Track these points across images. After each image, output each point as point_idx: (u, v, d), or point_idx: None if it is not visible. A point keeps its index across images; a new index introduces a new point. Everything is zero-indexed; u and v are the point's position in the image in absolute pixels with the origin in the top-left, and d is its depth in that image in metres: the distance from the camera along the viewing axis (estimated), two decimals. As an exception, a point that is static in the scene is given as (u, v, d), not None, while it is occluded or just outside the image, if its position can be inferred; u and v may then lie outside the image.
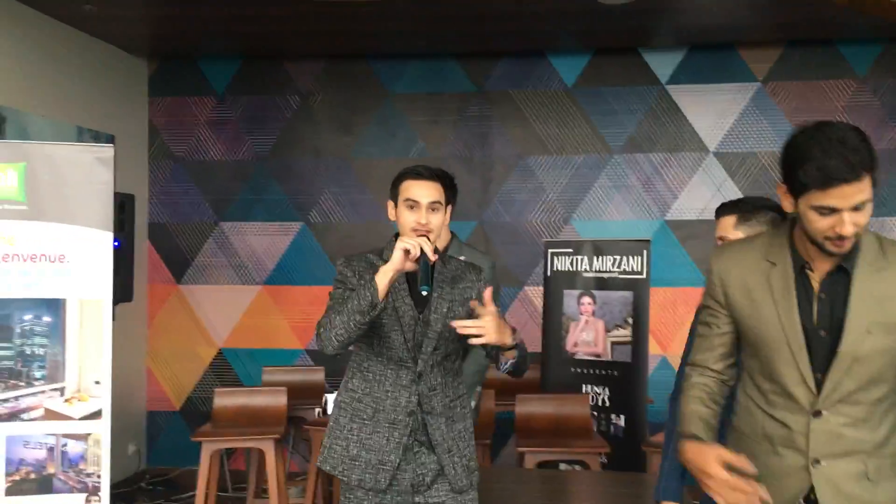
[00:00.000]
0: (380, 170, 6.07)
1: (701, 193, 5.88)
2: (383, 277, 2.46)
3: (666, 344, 5.77)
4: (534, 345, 5.36)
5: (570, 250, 5.09)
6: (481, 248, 5.58)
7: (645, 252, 4.91)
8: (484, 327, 2.37)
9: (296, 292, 6.18)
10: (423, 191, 2.58)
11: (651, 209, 5.93)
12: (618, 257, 4.97)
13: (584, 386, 5.01)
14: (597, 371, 4.97)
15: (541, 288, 5.39)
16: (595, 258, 5.07)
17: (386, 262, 2.51)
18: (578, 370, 5.03)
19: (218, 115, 6.29)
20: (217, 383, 6.14)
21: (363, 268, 2.60)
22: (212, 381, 6.22)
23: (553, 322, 5.09)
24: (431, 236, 2.55)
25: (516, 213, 6.02)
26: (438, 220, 2.58)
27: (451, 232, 3.39)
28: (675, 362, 4.76)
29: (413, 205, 2.57)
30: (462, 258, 2.81)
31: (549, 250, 5.23)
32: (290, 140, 6.23)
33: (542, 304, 5.24)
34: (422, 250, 2.47)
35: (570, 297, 5.05)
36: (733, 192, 5.68)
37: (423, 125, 6.10)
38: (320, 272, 5.94)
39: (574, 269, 5.10)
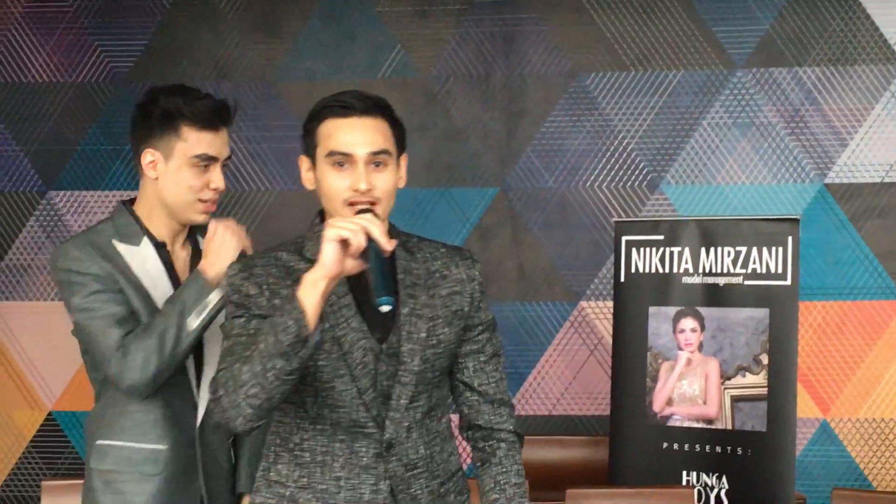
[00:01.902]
0: None
1: (888, 137, 5.59)
2: (311, 291, 2.35)
3: (829, 400, 5.63)
4: (598, 401, 5.58)
5: (661, 237, 4.94)
6: (505, 231, 5.62)
7: (791, 240, 4.79)
8: None
9: None
10: (358, 134, 2.55)
11: (801, 165, 5.67)
12: (743, 249, 4.90)
13: (684, 473, 4.84)
14: (707, 448, 4.83)
15: (608, 303, 5.44)
16: (704, 251, 4.91)
17: (311, 262, 2.45)
18: (675, 446, 4.88)
19: (43, 6, 5.89)
20: (44, 469, 6.00)
21: (274, 276, 2.57)
22: (36, 465, 6.05)
23: (630, 362, 5.02)
24: (379, 210, 2.53)
25: (566, 174, 5.76)
26: (387, 182, 2.57)
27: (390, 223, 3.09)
28: (846, 432, 5.25)
29: (342, 160, 2.54)
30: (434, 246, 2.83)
31: (624, 237, 5.02)
32: (169, 50, 5.91)
33: (609, 330, 5.27)
34: (369, 238, 2.36)
35: (659, 318, 4.97)
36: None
37: (404, 22, 5.79)
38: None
39: (667, 269, 4.96)
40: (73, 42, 5.96)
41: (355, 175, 2.53)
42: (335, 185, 2.55)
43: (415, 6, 5.70)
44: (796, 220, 4.91)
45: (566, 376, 5.44)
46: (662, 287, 4.93)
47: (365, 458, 2.60)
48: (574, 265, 5.63)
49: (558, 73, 5.64)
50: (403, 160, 2.71)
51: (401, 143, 2.69)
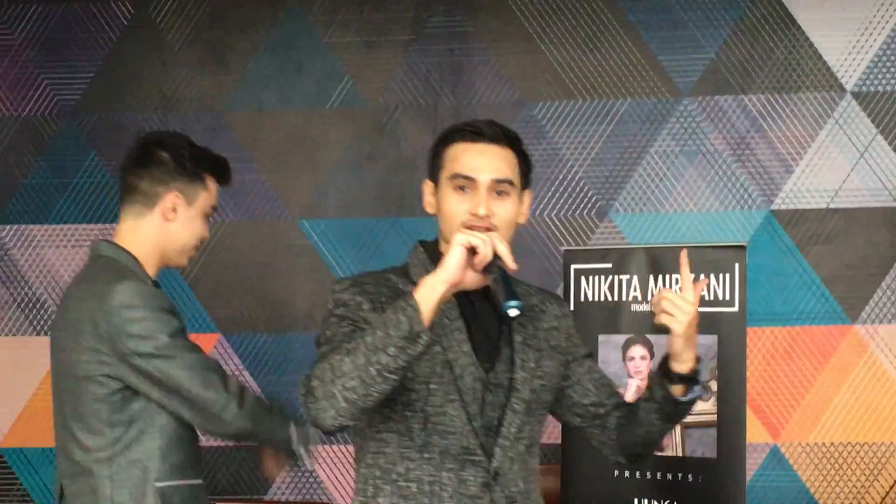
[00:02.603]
0: (277, 132, 5.81)
1: (832, 163, 5.50)
2: (428, 293, 2.30)
3: (779, 425, 5.53)
4: (549, 429, 5.24)
5: (610, 265, 4.90)
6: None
7: (738, 267, 4.74)
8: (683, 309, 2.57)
9: None
10: (485, 161, 2.54)
11: (748, 192, 5.57)
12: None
13: (636, 501, 4.79)
14: (659, 475, 4.75)
15: None
16: (653, 279, 4.83)
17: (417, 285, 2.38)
18: (626, 473, 4.80)
19: (-13, 36, 5.89)
20: (-10, 508, 5.90)
21: (385, 295, 2.55)
22: (-17, 504, 5.98)
23: None
24: (497, 238, 2.42)
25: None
26: (507, 212, 2.54)
27: None
28: (796, 457, 5.24)
29: (465, 183, 2.53)
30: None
31: (573, 266, 4.96)
32: (117, 81, 5.78)
33: None
34: (495, 254, 2.34)
35: (609, 346, 4.93)
36: (888, 159, 5.40)
37: (352, 52, 5.67)
38: (183, 309, 5.08)
39: (616, 297, 4.89)
40: (18, 75, 5.88)
41: (476, 199, 2.52)
42: (455, 207, 2.54)
43: (362, 37, 5.65)
44: (743, 247, 4.87)
45: (518, 405, 5.40)
46: (612, 315, 4.87)
47: (473, 488, 2.55)
48: (524, 293, 5.51)
49: (506, 102, 5.63)
50: (527, 196, 2.69)
51: (526, 177, 2.68)
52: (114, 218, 5.50)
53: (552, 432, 5.24)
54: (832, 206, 5.43)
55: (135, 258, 3.13)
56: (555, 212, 5.58)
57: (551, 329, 2.71)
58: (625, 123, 5.62)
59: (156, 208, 3.13)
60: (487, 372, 2.58)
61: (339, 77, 5.65)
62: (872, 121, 5.44)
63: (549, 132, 5.60)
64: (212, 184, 3.18)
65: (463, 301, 2.57)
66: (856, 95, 5.44)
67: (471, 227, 2.47)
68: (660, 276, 4.84)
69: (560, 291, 5.17)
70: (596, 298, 4.89)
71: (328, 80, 5.65)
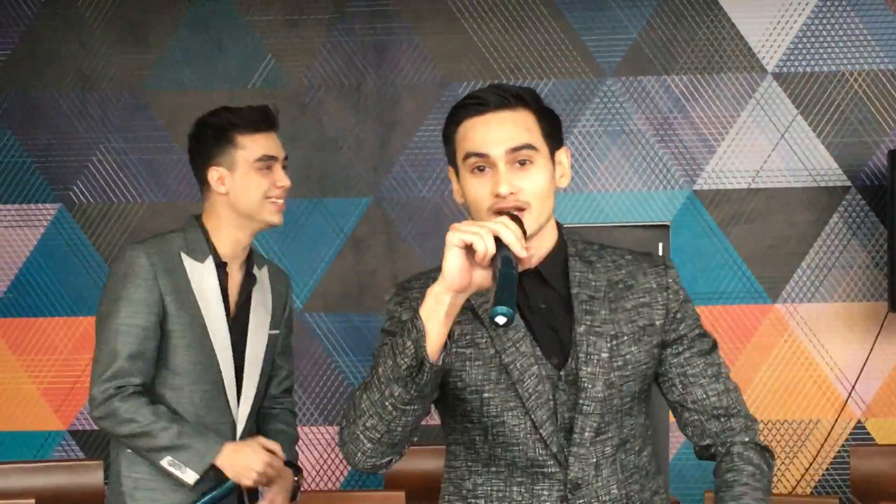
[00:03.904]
0: (198, 112, 5.36)
1: (754, 143, 5.64)
2: (433, 307, 2.05)
3: None
4: None
5: None
6: (379, 241, 5.64)
7: (661, 246, 4.93)
8: None
9: (49, 329, 5.93)
10: (495, 132, 2.22)
11: (671, 172, 5.70)
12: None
13: None
14: None
15: None
16: None
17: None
18: None
19: None
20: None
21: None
22: None
23: None
24: (530, 216, 2.19)
25: (439, 183, 5.72)
26: (535, 182, 2.22)
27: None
28: None
29: (480, 162, 2.23)
30: None
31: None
32: (33, 60, 5.82)
33: None
34: (499, 243, 2.00)
35: None
36: (808, 140, 5.52)
37: (274, 31, 5.75)
38: (94, 293, 5.35)
39: None
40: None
41: (495, 178, 2.21)
42: (477, 192, 2.24)
43: (284, 15, 5.65)
44: (667, 227, 4.95)
45: (442, 385, 5.40)
46: None
47: (548, 502, 2.29)
48: (448, 274, 5.51)
49: (430, 82, 5.65)
50: (564, 155, 2.35)
51: (553, 135, 2.33)
52: (29, 197, 5.71)
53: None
54: (753, 186, 5.50)
55: (204, 233, 3.27)
56: (479, 192, 5.44)
57: (639, 306, 2.34)
58: (549, 104, 5.31)
59: (210, 187, 3.25)
60: (559, 368, 2.29)
61: (261, 56, 5.62)
62: (793, 102, 5.50)
63: (473, 113, 5.47)
64: (244, 139, 3.21)
65: (519, 291, 2.21)
66: (777, 77, 5.50)
67: (499, 211, 2.19)
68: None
69: (484, 272, 5.15)
70: (520, 279, 4.71)
71: (250, 58, 5.63)
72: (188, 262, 3.20)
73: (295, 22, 5.63)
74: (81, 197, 5.76)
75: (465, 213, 5.74)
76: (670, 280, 2.35)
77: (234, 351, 3.25)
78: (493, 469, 2.31)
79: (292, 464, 3.38)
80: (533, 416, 2.24)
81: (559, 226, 2.43)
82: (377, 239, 5.55)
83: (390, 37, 5.64)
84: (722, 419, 2.31)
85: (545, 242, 2.31)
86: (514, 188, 2.19)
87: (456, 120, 2.30)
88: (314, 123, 5.41)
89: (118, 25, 5.69)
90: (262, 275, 3.41)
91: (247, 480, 3.13)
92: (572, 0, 5.60)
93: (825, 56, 5.40)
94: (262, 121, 3.27)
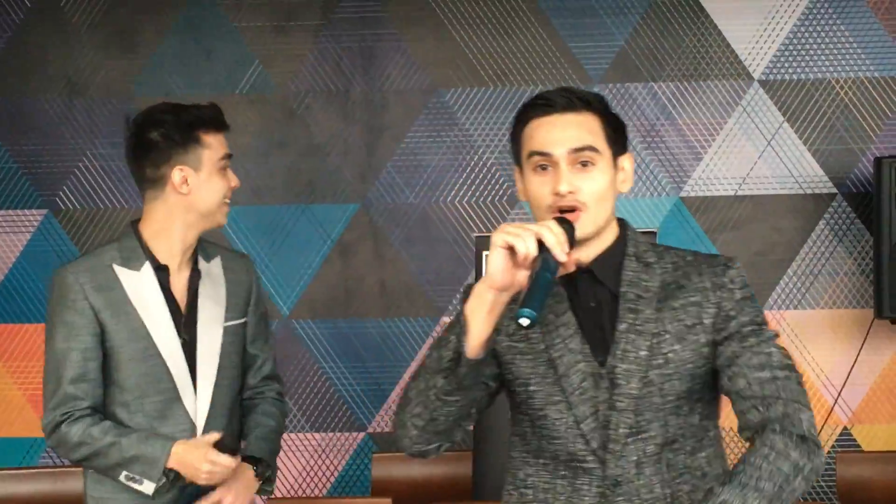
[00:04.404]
0: None
1: (740, 150, 5.59)
2: (476, 304, 2.16)
3: None
4: None
5: None
6: (367, 247, 5.59)
7: None
8: None
9: (36, 335, 5.77)
10: (559, 132, 2.30)
11: (657, 179, 5.67)
12: None
13: None
14: None
15: None
16: None
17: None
18: None
19: None
20: None
21: None
22: None
23: None
24: (587, 217, 2.26)
25: (426, 189, 5.70)
26: (595, 184, 2.29)
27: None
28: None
29: (543, 161, 2.30)
30: None
31: (485, 252, 4.78)
32: (19, 66, 5.72)
33: None
34: (542, 246, 2.11)
35: None
36: (794, 147, 5.49)
37: (262, 37, 5.69)
38: None
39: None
40: None
41: (556, 177, 2.28)
42: (538, 190, 2.32)
43: (272, 21, 5.62)
44: (653, 233, 4.84)
45: (429, 392, 5.40)
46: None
47: (587, 498, 2.33)
48: (436, 280, 5.61)
49: (418, 88, 5.64)
50: (627, 161, 2.42)
51: (617, 141, 2.41)
52: (16, 203, 5.67)
53: (464, 415, 5.32)
54: (740, 193, 5.49)
55: (139, 240, 3.15)
56: (466, 198, 5.59)
57: (688, 305, 2.34)
58: None
59: (167, 188, 3.12)
60: (602, 363, 2.34)
61: (249, 62, 5.62)
62: (779, 109, 5.50)
63: (460, 119, 5.60)
64: (210, 138, 3.14)
65: (570, 290, 2.35)
66: (763, 84, 5.50)
67: (558, 209, 2.27)
68: (571, 263, 4.68)
69: (472, 278, 5.21)
70: (507, 285, 4.71)
71: (237, 64, 5.62)
72: (122, 272, 3.10)
73: (283, 28, 5.62)
74: (68, 203, 5.73)
75: (451, 219, 5.73)
76: (727, 279, 2.34)
77: (187, 352, 3.17)
78: (541, 461, 2.37)
79: (255, 458, 3.30)
80: (575, 412, 2.30)
81: (624, 227, 2.48)
82: (364, 245, 5.54)
83: (378, 43, 5.63)
84: (760, 409, 2.26)
85: (602, 243, 2.36)
86: (573, 188, 2.25)
87: (523, 119, 2.38)
88: (301, 129, 5.40)
89: (105, 31, 5.67)
90: (210, 267, 3.28)
91: (199, 480, 3.07)
92: (559, 7, 5.59)
93: (811, 63, 5.42)
94: (221, 119, 3.21)
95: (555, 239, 2.12)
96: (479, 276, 4.80)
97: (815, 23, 5.35)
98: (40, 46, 5.68)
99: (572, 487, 2.32)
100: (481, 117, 5.59)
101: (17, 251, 5.79)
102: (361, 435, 5.38)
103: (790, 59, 5.52)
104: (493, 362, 2.32)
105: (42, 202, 5.77)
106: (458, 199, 5.59)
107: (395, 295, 5.38)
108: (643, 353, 2.28)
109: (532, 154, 2.31)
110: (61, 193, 5.75)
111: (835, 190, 5.34)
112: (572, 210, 2.26)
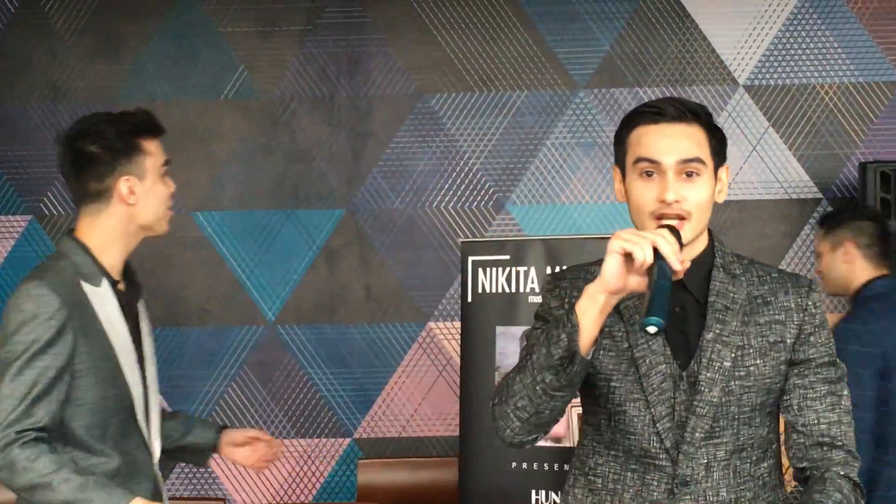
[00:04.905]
0: (170, 123, 5.42)
1: (726, 156, 5.12)
2: (589, 304, 2.24)
3: None
4: (447, 421, 5.51)
5: (507, 257, 4.83)
6: (352, 253, 5.49)
7: None
8: None
9: None
10: (669, 141, 2.36)
11: None
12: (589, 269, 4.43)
13: (533, 492, 4.69)
14: (556, 466, 4.64)
15: (457, 323, 5.35)
16: (550, 270, 4.72)
17: None
18: (524, 465, 4.70)
19: None
20: None
21: (579, 290, 2.35)
22: None
23: (479, 382, 4.80)
24: (689, 225, 2.33)
25: (412, 194, 5.74)
26: (699, 194, 2.36)
27: None
28: None
29: (650, 168, 2.36)
30: None
31: (470, 258, 4.86)
32: (4, 71, 5.74)
33: (458, 350, 5.06)
34: (657, 254, 2.18)
35: (507, 338, 4.80)
36: (780, 152, 5.54)
37: (247, 42, 5.72)
38: None
39: (513, 289, 4.80)
40: None
41: (663, 184, 2.35)
42: (642, 195, 2.38)
43: (257, 27, 5.63)
44: None
45: (415, 398, 5.39)
46: (509, 307, 4.79)
47: (656, 493, 2.44)
48: (422, 286, 5.63)
49: (403, 94, 5.65)
50: (725, 172, 2.50)
51: (720, 153, 2.48)
52: (3, 209, 5.61)
53: (450, 424, 5.37)
54: (725, 198, 5.39)
55: (90, 254, 3.00)
56: (452, 203, 5.59)
57: (772, 323, 2.44)
58: (521, 115, 5.67)
59: (112, 200, 3.01)
60: (683, 368, 2.43)
61: (234, 67, 5.61)
62: (764, 114, 5.51)
63: (445, 124, 5.61)
64: (149, 144, 3.04)
65: None
66: (748, 89, 5.52)
67: (661, 217, 2.34)
68: (556, 268, 4.75)
69: (458, 283, 5.23)
70: (493, 290, 4.85)
71: (223, 70, 5.62)
72: (87, 288, 2.95)
73: (268, 33, 5.62)
74: (52, 208, 5.70)
75: (437, 225, 5.70)
76: (810, 303, 2.44)
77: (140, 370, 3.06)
78: (613, 453, 2.47)
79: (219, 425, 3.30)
80: (653, 410, 2.40)
81: (712, 236, 2.56)
82: (350, 251, 5.54)
83: (363, 48, 5.64)
84: (825, 448, 2.38)
85: (693, 251, 2.42)
86: (679, 197, 2.32)
87: (630, 125, 2.44)
88: (287, 135, 5.40)
89: (90, 36, 5.66)
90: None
91: None
92: (545, 12, 5.61)
93: (796, 69, 5.43)
94: (157, 124, 3.12)
95: (671, 249, 2.19)
96: (464, 281, 4.85)
97: (799, 28, 5.37)
98: (24, 52, 5.65)
99: (642, 482, 2.43)
100: (467, 122, 5.59)
101: (0, 257, 5.77)
102: (347, 441, 5.38)
103: (775, 64, 5.54)
104: None
105: (26, 208, 5.75)
106: (443, 204, 5.58)
107: (380, 300, 5.39)
108: (727, 363, 2.38)
109: (639, 160, 2.37)
110: (45, 199, 5.72)
111: (820, 195, 5.35)
112: (680, 218, 2.32)
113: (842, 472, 2.36)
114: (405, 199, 5.64)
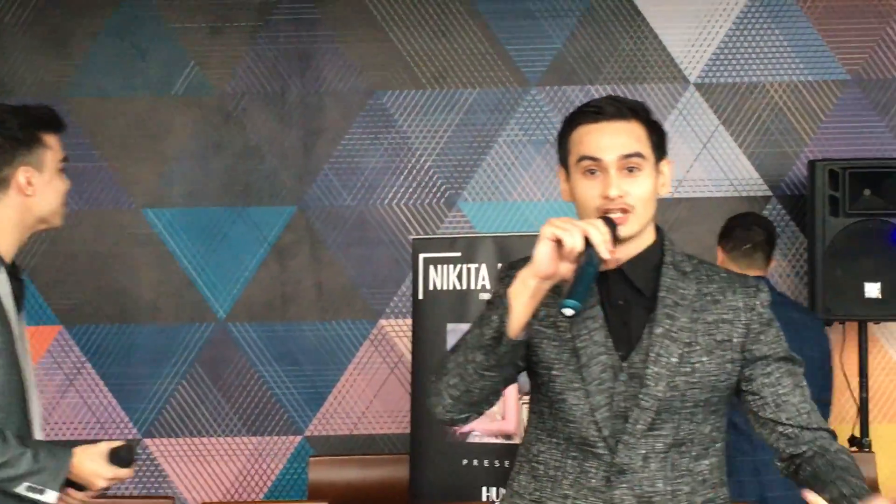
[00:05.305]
0: (120, 120, 5.71)
1: (676, 153, 5.45)
2: (520, 289, 2.30)
3: None
4: (398, 419, 5.52)
5: (458, 254, 4.84)
6: (304, 250, 5.53)
7: None
8: None
9: None
10: (609, 139, 2.43)
11: None
12: None
13: (484, 489, 4.70)
14: (507, 463, 4.64)
15: (408, 320, 5.31)
16: (500, 267, 4.30)
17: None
18: (474, 462, 4.74)
19: None
20: None
21: None
22: None
23: (430, 379, 4.49)
24: (633, 219, 2.40)
25: (364, 192, 5.73)
26: (641, 189, 2.43)
27: None
28: None
29: (592, 165, 2.44)
30: None
31: (422, 255, 4.88)
32: (-51, 65, 5.64)
33: (409, 348, 5.05)
34: (587, 242, 2.25)
35: (458, 335, 4.51)
36: (729, 150, 5.57)
37: (197, 38, 5.68)
38: None
39: (465, 286, 4.82)
40: None
41: (606, 181, 2.42)
42: (586, 193, 2.45)
43: (208, 22, 5.60)
44: None
45: (367, 395, 5.38)
46: (460, 304, 4.80)
47: (594, 480, 2.48)
48: (373, 283, 5.62)
49: (355, 90, 5.64)
50: (666, 166, 2.56)
51: (660, 147, 2.54)
52: None
53: (402, 422, 5.36)
54: (676, 195, 5.52)
55: None
56: (404, 200, 5.58)
57: (721, 321, 2.49)
58: (473, 113, 5.65)
59: (10, 189, 3.02)
60: (623, 358, 2.47)
61: (184, 63, 5.58)
62: (715, 112, 5.53)
63: (397, 121, 5.59)
64: (50, 139, 3.06)
65: (602, 286, 2.48)
66: (699, 87, 5.53)
67: (606, 211, 2.40)
68: (508, 266, 4.69)
69: (409, 280, 5.21)
70: (444, 287, 4.86)
71: (173, 66, 5.58)
72: None
73: (218, 29, 5.58)
74: (1, 205, 5.54)
75: (388, 222, 5.69)
76: (757, 302, 2.50)
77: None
78: (554, 440, 2.52)
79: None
80: (591, 400, 2.44)
81: (660, 233, 2.62)
82: (301, 248, 5.53)
83: (314, 45, 5.62)
84: (815, 431, 2.45)
85: (639, 245, 2.49)
86: (622, 192, 2.39)
87: (572, 125, 2.51)
88: (238, 131, 5.37)
89: (38, 31, 5.59)
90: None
91: (94, 488, 2.98)
92: (497, 10, 5.60)
93: (746, 67, 5.45)
94: (59, 119, 3.13)
95: (601, 237, 2.26)
96: (416, 278, 4.85)
97: (749, 27, 5.39)
98: (-30, 47, 5.56)
99: (581, 469, 2.47)
100: (419, 119, 5.59)
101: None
102: (298, 438, 5.36)
103: (725, 62, 5.55)
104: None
105: (-26, 203, 5.59)
106: (395, 201, 5.57)
107: (332, 298, 5.37)
108: (674, 359, 2.43)
109: (582, 158, 2.44)
110: (-8, 196, 5.56)
111: (769, 192, 5.38)
112: (624, 212, 2.39)
113: (838, 446, 2.44)
114: (357, 196, 5.60)
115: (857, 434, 5.03)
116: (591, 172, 2.43)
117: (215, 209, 5.36)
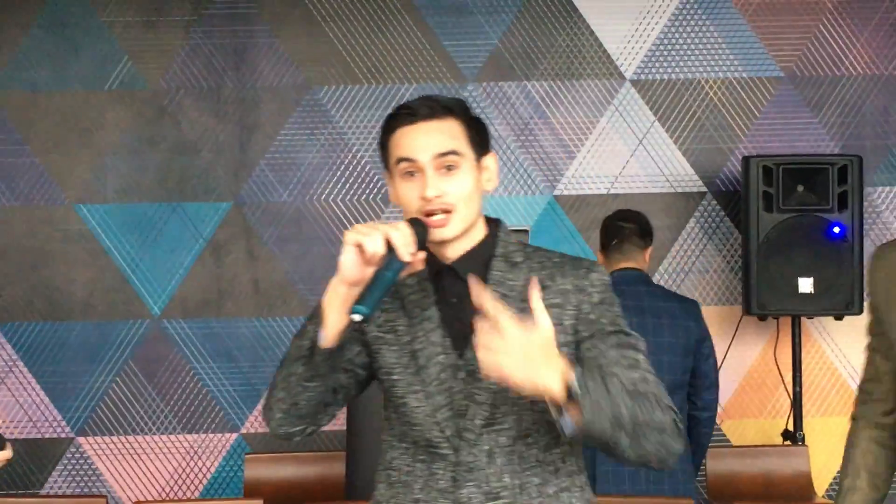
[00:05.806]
0: (52, 114, 5.68)
1: (612, 149, 5.67)
2: (331, 296, 2.33)
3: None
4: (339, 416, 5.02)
5: None
6: (239, 246, 5.49)
7: None
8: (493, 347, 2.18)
9: None
10: (422, 139, 2.42)
11: (531, 178, 5.72)
12: None
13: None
14: None
15: None
16: None
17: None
18: None
19: None
20: None
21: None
22: None
23: None
24: (456, 217, 2.38)
25: (300, 187, 5.72)
26: (460, 186, 2.41)
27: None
28: None
29: (410, 167, 2.42)
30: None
31: None
32: None
33: None
34: (389, 245, 2.27)
35: None
36: (665, 146, 5.60)
37: (131, 32, 5.63)
38: None
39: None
40: None
41: (423, 182, 2.40)
42: (406, 195, 2.42)
43: (142, 16, 5.56)
44: (526, 231, 4.93)
45: (303, 392, 5.38)
46: None
47: (442, 482, 2.44)
48: (310, 279, 5.59)
49: (291, 85, 5.61)
50: (491, 160, 2.52)
51: (480, 142, 2.50)
52: None
53: (338, 418, 5.28)
54: (612, 191, 5.54)
55: None
56: (340, 196, 5.56)
57: (550, 307, 2.36)
58: None
59: None
60: (460, 355, 2.45)
61: (118, 58, 5.52)
62: (650, 108, 5.55)
63: (334, 116, 5.57)
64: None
65: (436, 286, 2.46)
66: (635, 83, 5.55)
67: (427, 213, 2.38)
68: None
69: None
70: (383, 283, 4.71)
71: (106, 60, 5.52)
72: None
73: (152, 23, 5.53)
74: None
75: (325, 218, 5.70)
76: (587, 283, 2.42)
77: None
78: (404, 445, 2.49)
79: None
80: (432, 401, 2.41)
81: (493, 227, 2.57)
82: (237, 244, 5.50)
83: (250, 39, 5.58)
84: None
85: (470, 241, 2.46)
86: (440, 192, 2.36)
87: (389, 128, 2.48)
88: (172, 126, 5.33)
89: (-32, 24, 5.52)
90: None
91: None
92: (434, 5, 5.60)
93: (682, 64, 5.47)
94: None
95: (402, 240, 2.26)
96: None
97: (685, 24, 5.42)
98: None
99: (429, 471, 2.43)
100: (355, 115, 5.55)
101: None
102: (234, 436, 5.33)
103: (661, 59, 5.58)
104: (357, 350, 2.46)
105: None
106: (332, 197, 5.55)
107: (268, 294, 5.34)
108: None
109: (399, 161, 2.42)
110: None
111: (704, 188, 5.41)
112: (445, 212, 2.36)
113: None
114: (293, 191, 5.58)
115: (791, 428, 5.07)
116: (410, 174, 2.42)
117: (149, 205, 5.32)
